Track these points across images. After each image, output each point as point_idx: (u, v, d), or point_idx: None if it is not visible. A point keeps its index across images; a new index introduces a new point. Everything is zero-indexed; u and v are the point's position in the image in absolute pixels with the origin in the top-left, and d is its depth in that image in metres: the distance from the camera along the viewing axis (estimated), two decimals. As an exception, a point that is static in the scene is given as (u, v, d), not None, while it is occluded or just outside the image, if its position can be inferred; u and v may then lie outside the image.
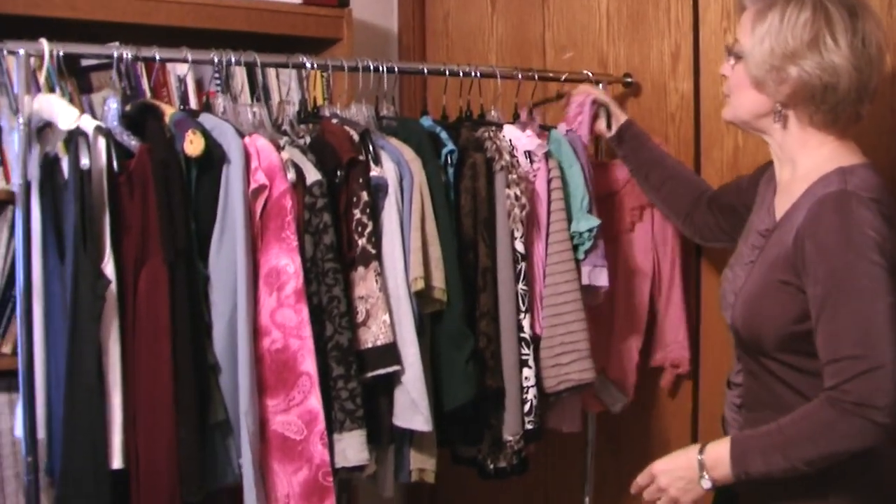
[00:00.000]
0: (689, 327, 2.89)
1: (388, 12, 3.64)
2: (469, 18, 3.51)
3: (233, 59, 2.20)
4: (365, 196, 2.18)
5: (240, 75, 2.88)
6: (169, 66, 2.71)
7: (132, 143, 1.99)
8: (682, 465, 1.95)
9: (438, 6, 3.61)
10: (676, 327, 2.85)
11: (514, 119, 2.68)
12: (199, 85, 2.81)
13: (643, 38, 3.00)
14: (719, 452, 1.90)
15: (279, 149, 2.15)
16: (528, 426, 2.41)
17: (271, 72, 2.94)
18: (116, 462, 1.91)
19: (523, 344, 2.41)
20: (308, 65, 2.33)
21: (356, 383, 2.13)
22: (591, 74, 2.90)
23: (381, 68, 2.42)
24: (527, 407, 2.40)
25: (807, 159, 1.98)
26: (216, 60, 2.19)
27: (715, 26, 2.83)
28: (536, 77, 2.73)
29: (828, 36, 1.88)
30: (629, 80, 3.00)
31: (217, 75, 2.73)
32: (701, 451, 1.92)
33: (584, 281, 2.52)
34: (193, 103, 2.73)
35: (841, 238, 1.81)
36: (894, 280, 1.79)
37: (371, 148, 2.22)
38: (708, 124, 2.86)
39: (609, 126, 2.73)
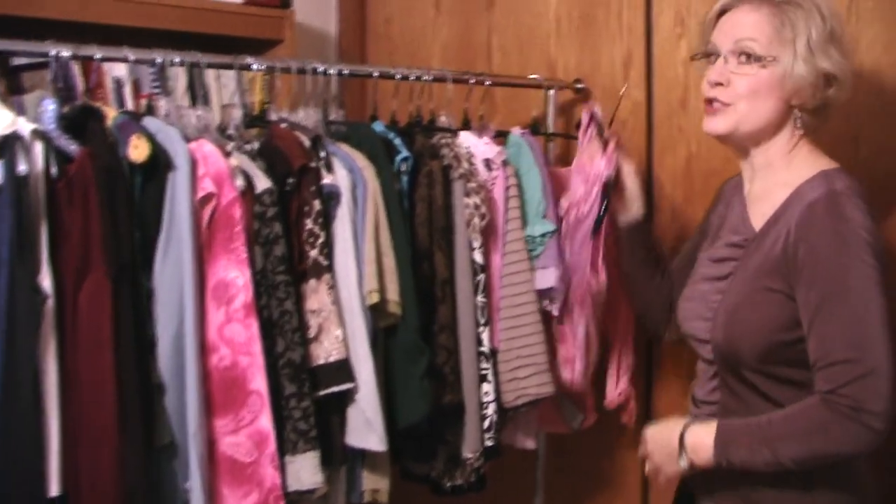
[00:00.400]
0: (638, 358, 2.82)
1: (327, 14, 3.53)
2: (412, 22, 3.43)
3: (176, 60, 2.10)
4: (317, 205, 2.09)
5: (179, 77, 2.76)
6: (105, 66, 2.57)
7: (72, 147, 1.87)
8: (666, 437, 1.95)
9: (380, 9, 3.53)
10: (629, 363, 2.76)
11: (464, 125, 2.60)
12: (137, 87, 2.69)
13: (594, 44, 2.95)
14: (702, 438, 1.87)
15: (226, 155, 2.05)
16: (488, 443, 2.34)
17: (210, 74, 2.82)
18: (54, 489, 1.79)
19: (482, 358, 2.34)
20: (254, 66, 2.24)
21: (309, 402, 2.04)
22: (542, 80, 2.83)
23: (329, 71, 2.33)
24: (486, 423, 2.33)
25: (786, 165, 1.95)
26: (158, 61, 2.09)
27: (668, 32, 2.79)
28: (489, 83, 2.65)
29: (844, 42, 1.90)
30: (580, 85, 2.94)
31: (155, 77, 2.61)
32: (684, 430, 1.90)
33: (535, 285, 2.44)
34: (130, 106, 2.60)
35: (836, 241, 1.79)
36: (885, 280, 1.78)
37: (323, 154, 2.13)
38: (660, 131, 2.82)
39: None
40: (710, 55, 2.00)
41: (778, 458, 1.79)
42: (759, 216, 1.96)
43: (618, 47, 2.89)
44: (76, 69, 2.44)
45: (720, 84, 1.95)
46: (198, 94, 2.58)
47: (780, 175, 1.94)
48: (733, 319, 1.92)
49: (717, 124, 1.98)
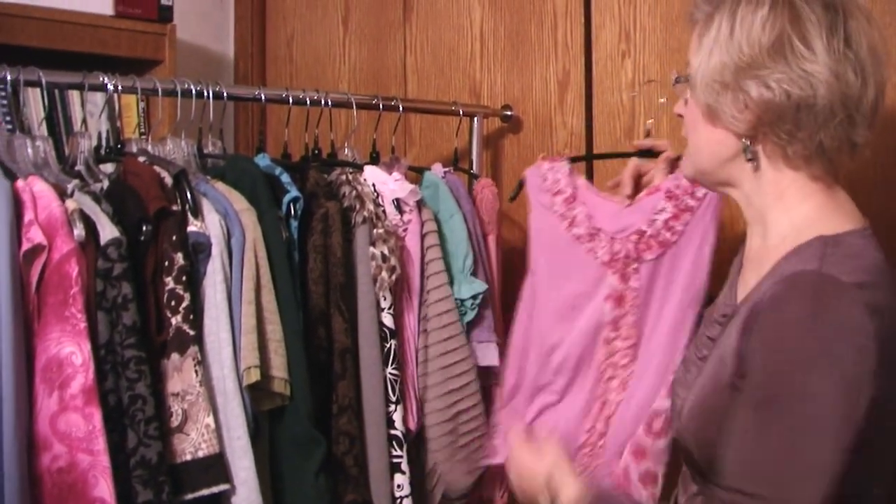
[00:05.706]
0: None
1: (222, 34, 3.26)
2: (317, 42, 3.16)
3: (22, 79, 1.79)
4: (180, 259, 1.79)
5: (34, 102, 2.37)
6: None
7: None
8: (531, 473, 1.59)
9: (281, 28, 3.26)
10: None
11: (373, 159, 2.23)
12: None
13: (524, 64, 2.68)
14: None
15: (64, 196, 1.73)
16: (404, 547, 2.02)
17: (75, 99, 2.47)
18: None
19: (395, 444, 2.03)
20: (110, 86, 1.90)
21: (170, 512, 1.68)
22: (464, 106, 2.50)
23: (205, 93, 2.00)
24: (401, 524, 2.02)
25: (782, 219, 1.48)
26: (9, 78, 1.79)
27: (611, 49, 2.51)
28: (401, 108, 2.31)
29: (794, 36, 1.40)
30: (508, 112, 2.66)
31: (4, 102, 2.22)
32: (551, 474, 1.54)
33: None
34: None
35: (803, 340, 1.32)
36: (874, 417, 1.30)
37: (188, 194, 1.81)
38: (603, 166, 2.51)
39: None
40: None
41: None
42: (745, 285, 1.52)
43: (552, 67, 2.61)
44: None
45: (680, 115, 1.59)
46: (58, 122, 2.26)
47: (773, 233, 1.49)
48: (699, 418, 1.47)
49: (682, 167, 1.65)
